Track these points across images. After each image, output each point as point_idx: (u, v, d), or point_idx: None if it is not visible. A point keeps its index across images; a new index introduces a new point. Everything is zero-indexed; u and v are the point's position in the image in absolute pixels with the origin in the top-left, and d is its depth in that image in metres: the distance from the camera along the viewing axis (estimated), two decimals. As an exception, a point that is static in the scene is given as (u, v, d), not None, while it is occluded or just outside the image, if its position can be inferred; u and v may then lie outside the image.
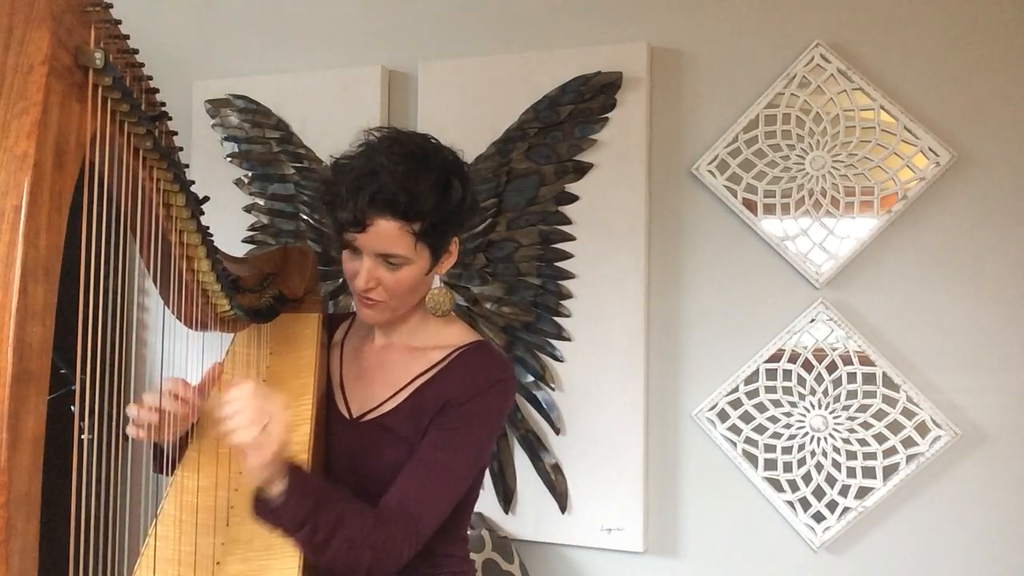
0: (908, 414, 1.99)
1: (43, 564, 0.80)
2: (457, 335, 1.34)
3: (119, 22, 0.83)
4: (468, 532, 1.42)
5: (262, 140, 2.58)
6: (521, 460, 2.29)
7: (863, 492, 2.02)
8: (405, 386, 1.30)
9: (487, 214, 2.29)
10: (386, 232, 1.19)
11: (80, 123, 0.78)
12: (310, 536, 1.10)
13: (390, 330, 1.36)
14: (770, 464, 2.10)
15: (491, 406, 1.27)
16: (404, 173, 1.18)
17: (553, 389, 2.26)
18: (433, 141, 1.27)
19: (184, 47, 2.73)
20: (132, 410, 1.19)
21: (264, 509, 1.10)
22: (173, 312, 1.15)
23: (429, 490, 1.20)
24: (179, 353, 1.30)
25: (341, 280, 2.48)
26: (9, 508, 0.72)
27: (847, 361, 2.04)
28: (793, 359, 2.08)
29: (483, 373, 1.27)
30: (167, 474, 1.32)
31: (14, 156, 0.72)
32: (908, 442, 1.99)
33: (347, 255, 1.26)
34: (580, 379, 2.24)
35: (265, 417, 1.04)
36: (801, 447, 2.07)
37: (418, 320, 1.35)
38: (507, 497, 2.29)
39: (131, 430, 1.19)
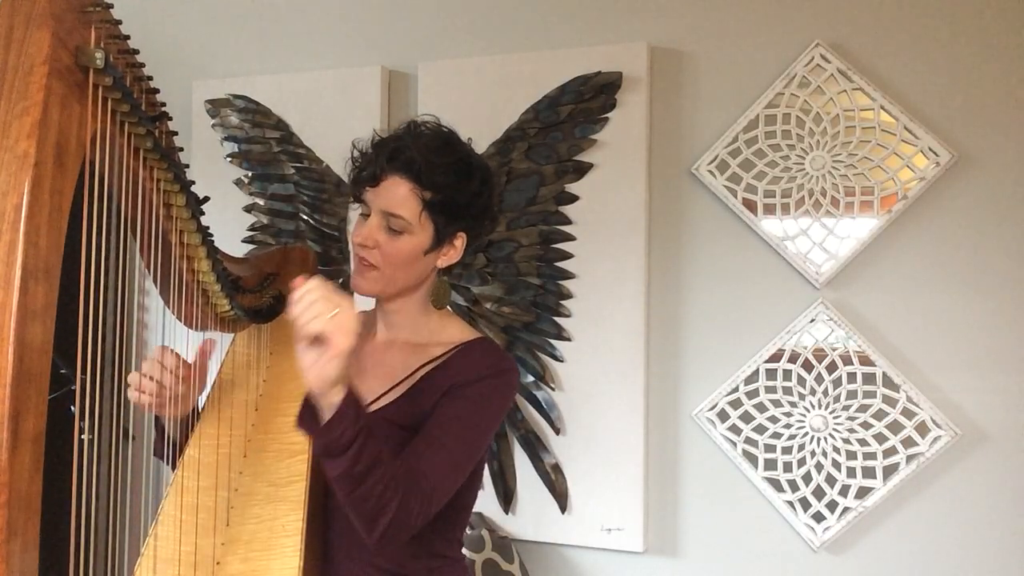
0: (908, 414, 1.99)
1: (43, 564, 0.80)
2: (459, 332, 1.35)
3: (119, 22, 0.83)
4: (467, 533, 1.42)
5: (262, 140, 2.58)
6: (521, 460, 2.29)
7: (863, 492, 2.02)
8: (404, 379, 1.30)
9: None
10: (396, 190, 1.25)
11: (81, 123, 0.78)
12: (352, 463, 1.06)
13: (391, 325, 1.36)
14: (770, 464, 2.10)
15: (496, 392, 1.27)
16: (428, 145, 1.27)
17: (553, 389, 2.26)
18: (470, 141, 1.35)
19: (184, 47, 2.73)
20: (133, 377, 1.22)
21: (311, 421, 1.07)
22: (173, 312, 1.15)
23: (438, 462, 1.19)
24: (179, 353, 1.30)
25: (341, 280, 2.48)
26: (10, 507, 0.72)
27: (847, 361, 2.04)
28: (793, 359, 2.09)
29: (488, 361, 1.28)
30: (167, 461, 1.33)
31: (15, 156, 0.72)
32: (908, 442, 1.99)
33: (357, 220, 1.31)
34: (580, 379, 2.24)
35: (334, 306, 1.02)
36: (801, 447, 2.08)
37: (418, 313, 1.35)
38: (507, 497, 2.29)
39: (131, 395, 1.21)
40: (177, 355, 1.24)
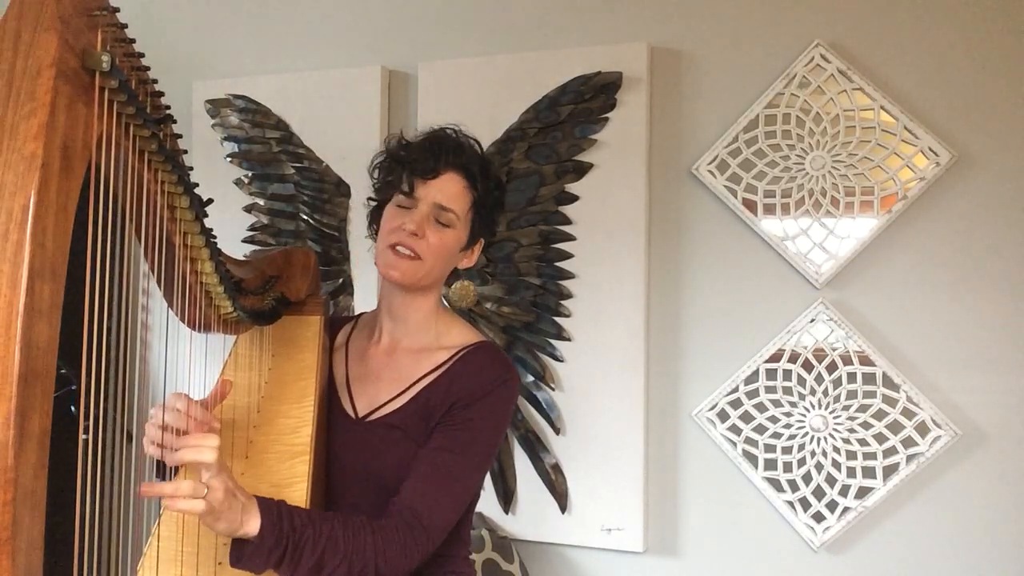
0: (908, 414, 2.00)
1: (47, 563, 0.80)
2: (461, 336, 1.35)
3: (125, 26, 0.84)
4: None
5: (262, 140, 2.58)
6: (521, 460, 2.29)
7: (863, 492, 2.03)
8: (411, 385, 1.31)
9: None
10: (453, 186, 1.31)
11: (87, 125, 0.78)
12: (293, 566, 1.08)
13: (397, 327, 1.37)
14: (770, 464, 2.11)
15: (497, 407, 1.29)
16: (479, 153, 1.37)
17: (553, 389, 2.27)
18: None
19: (184, 47, 2.73)
20: (151, 431, 1.18)
21: (240, 554, 1.08)
22: (176, 313, 1.15)
23: (439, 493, 1.21)
24: (181, 354, 1.30)
25: (341, 280, 2.48)
26: (15, 505, 0.72)
27: (847, 361, 2.05)
28: (793, 359, 2.09)
29: (488, 373, 1.29)
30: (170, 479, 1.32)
31: (22, 157, 0.72)
32: (908, 442, 2.00)
33: (394, 212, 1.32)
34: (580, 379, 2.24)
35: (201, 489, 1.00)
36: (801, 447, 2.08)
37: (429, 312, 1.36)
38: (507, 497, 2.29)
39: (145, 444, 1.18)
40: (189, 398, 1.21)
